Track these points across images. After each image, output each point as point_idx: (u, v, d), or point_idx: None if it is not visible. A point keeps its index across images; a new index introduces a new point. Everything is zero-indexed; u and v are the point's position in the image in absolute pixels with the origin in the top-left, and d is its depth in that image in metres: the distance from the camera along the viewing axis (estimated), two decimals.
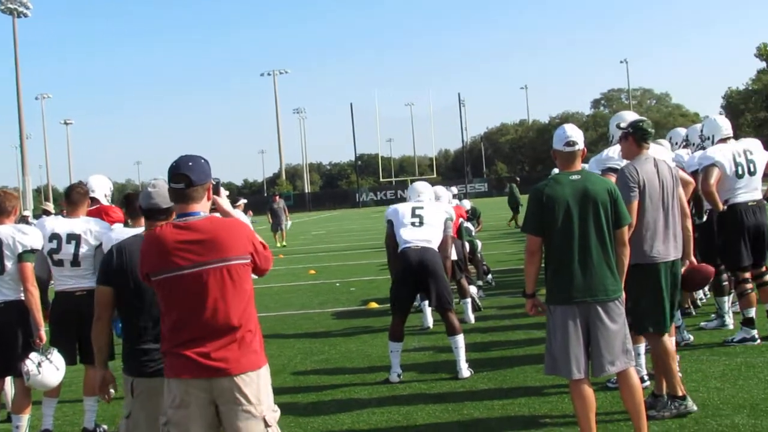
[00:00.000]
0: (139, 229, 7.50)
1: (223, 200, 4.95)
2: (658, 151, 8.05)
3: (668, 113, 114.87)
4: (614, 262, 6.15)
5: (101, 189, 9.34)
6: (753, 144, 9.61)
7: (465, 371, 8.92)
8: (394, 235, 9.50)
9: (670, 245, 7.00)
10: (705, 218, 9.76)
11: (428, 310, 12.02)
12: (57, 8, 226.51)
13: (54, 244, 7.71)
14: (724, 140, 9.53)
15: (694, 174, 9.23)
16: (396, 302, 9.30)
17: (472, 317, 12.22)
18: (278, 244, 35.34)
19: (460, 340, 9.02)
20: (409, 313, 9.44)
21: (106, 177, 9.81)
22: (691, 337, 9.53)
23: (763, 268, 9.55)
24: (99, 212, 8.69)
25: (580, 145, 6.29)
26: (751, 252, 9.32)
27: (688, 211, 7.43)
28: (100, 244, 7.69)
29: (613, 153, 8.09)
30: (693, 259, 7.42)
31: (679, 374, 7.87)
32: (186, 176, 4.55)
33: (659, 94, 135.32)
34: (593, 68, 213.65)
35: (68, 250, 7.71)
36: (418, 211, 9.53)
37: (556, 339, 6.09)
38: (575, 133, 6.29)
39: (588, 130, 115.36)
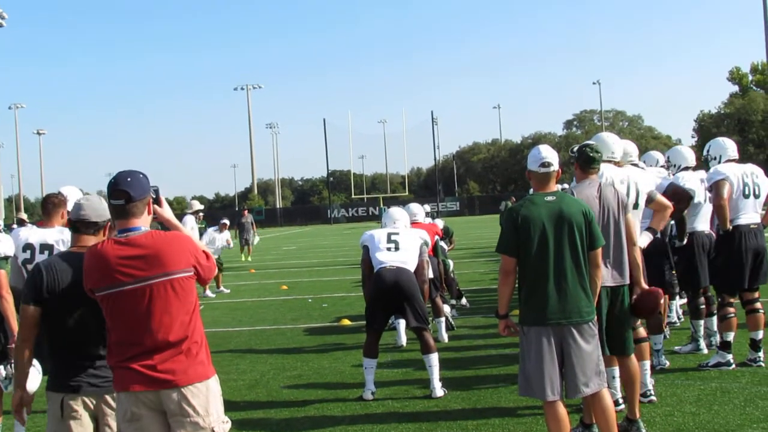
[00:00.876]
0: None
1: (166, 210, 4.86)
2: (633, 172, 8.07)
3: (640, 135, 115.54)
4: (588, 283, 6.18)
5: (73, 200, 9.29)
6: (756, 168, 9.76)
7: (439, 390, 8.89)
8: (369, 259, 9.50)
9: (612, 271, 6.97)
10: (685, 241, 9.78)
11: (402, 328, 12.00)
12: (32, 18, 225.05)
13: (27, 254, 7.64)
14: (730, 161, 9.63)
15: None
16: (371, 320, 9.27)
17: (445, 336, 12.20)
18: (244, 258, 35.38)
19: (435, 358, 8.99)
20: (383, 331, 9.41)
21: (78, 188, 9.75)
22: (667, 363, 9.52)
23: (756, 294, 9.58)
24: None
25: (555, 167, 6.33)
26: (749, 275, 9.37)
27: (635, 237, 7.40)
28: None
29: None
30: (643, 284, 7.38)
31: (654, 398, 7.92)
32: (125, 192, 4.55)
33: (631, 116, 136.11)
34: (566, 89, 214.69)
35: (41, 259, 7.63)
36: (393, 237, 9.60)
37: (530, 360, 6.09)
38: (550, 154, 6.33)
39: (560, 151, 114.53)
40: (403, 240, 9.59)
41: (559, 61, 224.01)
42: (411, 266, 9.38)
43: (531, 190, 6.62)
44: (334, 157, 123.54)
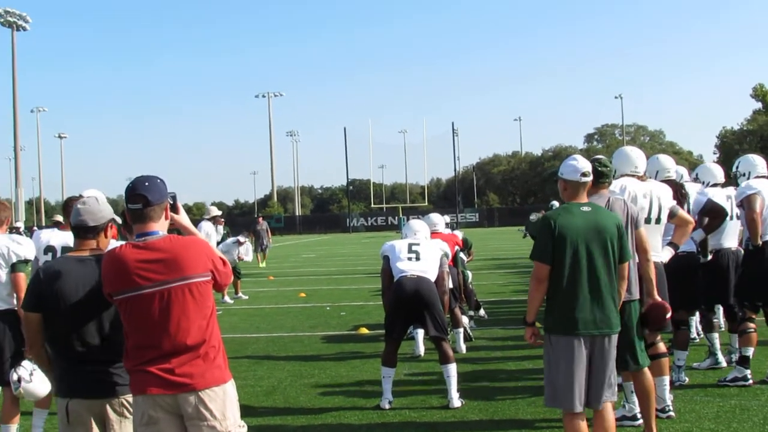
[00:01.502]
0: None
1: (183, 217, 4.92)
2: (656, 187, 8.06)
3: (662, 150, 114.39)
4: (617, 295, 6.19)
5: None
6: None
7: (456, 401, 8.88)
8: (390, 269, 9.55)
9: None
10: (710, 257, 9.74)
11: (420, 338, 11.99)
12: (55, 22, 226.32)
13: (49, 257, 7.65)
14: (759, 178, 9.61)
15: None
16: (390, 329, 9.28)
17: (463, 347, 12.17)
18: (260, 265, 35.82)
19: (453, 369, 8.98)
20: (402, 340, 9.42)
21: (101, 192, 9.78)
22: (686, 379, 9.47)
23: None
24: None
25: (591, 176, 6.37)
26: None
27: (649, 252, 7.35)
28: None
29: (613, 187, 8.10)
30: (655, 296, 7.33)
31: (673, 414, 7.87)
32: (143, 196, 4.61)
33: (653, 131, 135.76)
34: (587, 102, 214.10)
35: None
36: (414, 247, 9.66)
37: (559, 370, 6.07)
38: (588, 165, 6.40)
39: None
40: (424, 250, 9.63)
41: (581, 74, 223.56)
42: (432, 276, 9.41)
43: (553, 204, 6.61)
44: (354, 166, 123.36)
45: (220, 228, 22.17)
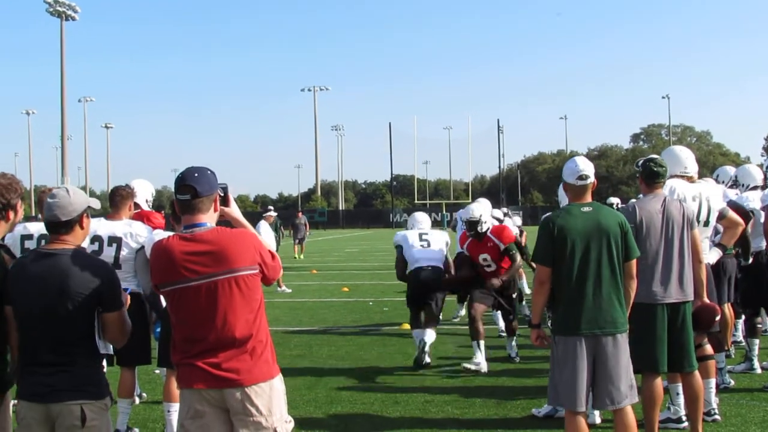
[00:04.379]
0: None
1: (233, 209, 4.84)
2: (705, 188, 8.00)
3: (708, 152, 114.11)
4: (623, 295, 6.16)
5: (143, 194, 9.36)
6: None
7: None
8: (404, 258, 11.38)
9: (671, 287, 6.91)
10: (751, 260, 9.64)
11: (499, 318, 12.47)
12: (105, 12, 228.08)
13: (96, 246, 7.66)
14: None
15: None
16: (411, 305, 11.43)
17: (515, 355, 11.66)
18: (297, 257, 36.79)
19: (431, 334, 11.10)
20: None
21: (149, 182, 9.83)
22: (732, 382, 9.37)
23: None
24: (140, 217, 8.67)
25: (592, 179, 6.37)
26: None
27: (701, 254, 7.31)
28: (142, 248, 7.70)
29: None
30: (705, 299, 7.28)
31: (718, 417, 7.79)
32: (192, 187, 4.55)
33: (700, 132, 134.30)
34: (634, 102, 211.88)
35: (109, 252, 7.69)
36: (424, 236, 11.43)
37: (561, 370, 6.10)
38: (587, 167, 6.36)
39: (626, 164, 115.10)
40: (433, 239, 11.41)
41: (628, 74, 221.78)
42: (441, 262, 11.23)
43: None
44: (398, 161, 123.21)
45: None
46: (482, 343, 10.53)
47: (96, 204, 5.10)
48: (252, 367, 4.48)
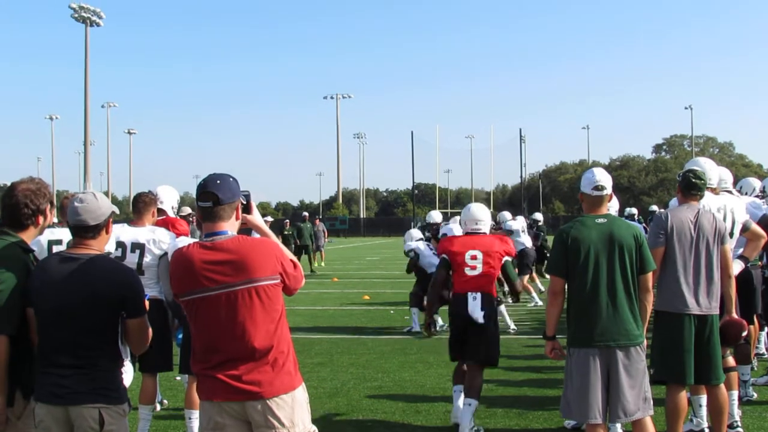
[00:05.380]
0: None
1: (256, 217, 4.79)
2: (730, 200, 7.97)
3: (731, 163, 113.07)
4: (637, 307, 6.14)
5: (169, 200, 9.36)
6: None
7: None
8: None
9: (699, 298, 6.88)
10: None
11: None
12: (129, 18, 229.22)
13: (119, 252, 7.69)
14: None
15: None
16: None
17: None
18: (316, 264, 36.37)
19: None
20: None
21: (174, 188, 9.85)
22: (755, 394, 9.31)
23: None
24: (165, 224, 8.68)
25: (608, 190, 6.38)
26: None
27: (730, 266, 7.28)
28: (165, 254, 7.72)
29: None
30: (733, 314, 7.25)
31: (741, 430, 7.75)
32: (214, 194, 4.48)
33: (723, 143, 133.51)
34: (657, 113, 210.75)
35: (132, 258, 7.73)
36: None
37: (573, 382, 6.10)
38: (604, 178, 6.36)
39: (648, 175, 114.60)
40: None
41: (650, 84, 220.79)
42: None
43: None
44: (419, 169, 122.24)
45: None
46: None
47: (117, 210, 5.11)
48: (273, 378, 4.42)
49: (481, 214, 8.87)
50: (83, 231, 4.81)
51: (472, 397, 8.06)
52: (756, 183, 11.18)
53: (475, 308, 8.13)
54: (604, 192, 6.32)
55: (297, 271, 4.61)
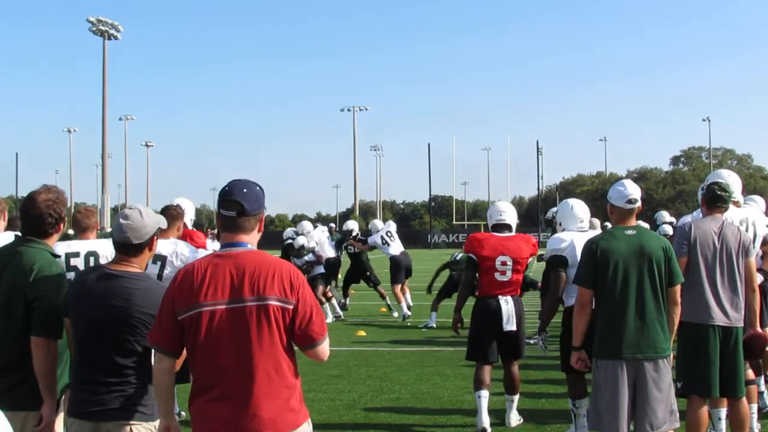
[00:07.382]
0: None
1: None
2: (752, 213, 7.93)
3: (749, 175, 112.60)
4: (665, 320, 6.12)
5: (187, 213, 9.40)
6: None
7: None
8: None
9: (726, 309, 6.85)
10: None
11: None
12: (146, 31, 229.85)
13: None
14: None
15: None
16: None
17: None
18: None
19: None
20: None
21: (191, 201, 9.88)
22: None
23: None
24: (183, 236, 8.71)
25: (639, 203, 6.38)
26: None
27: (754, 279, 7.23)
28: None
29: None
30: (757, 328, 7.21)
31: None
32: (239, 204, 4.13)
33: (741, 155, 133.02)
34: (674, 125, 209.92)
35: (153, 270, 7.72)
36: None
37: (603, 394, 6.06)
38: (636, 191, 6.40)
39: (666, 187, 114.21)
40: None
41: (668, 96, 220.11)
42: None
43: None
44: (436, 182, 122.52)
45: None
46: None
47: (164, 223, 5.11)
48: (276, 416, 4.02)
49: (504, 206, 9.15)
50: (125, 248, 4.78)
51: (516, 393, 8.94)
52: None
53: (509, 318, 8.52)
54: (636, 205, 6.36)
55: (318, 318, 4.21)
